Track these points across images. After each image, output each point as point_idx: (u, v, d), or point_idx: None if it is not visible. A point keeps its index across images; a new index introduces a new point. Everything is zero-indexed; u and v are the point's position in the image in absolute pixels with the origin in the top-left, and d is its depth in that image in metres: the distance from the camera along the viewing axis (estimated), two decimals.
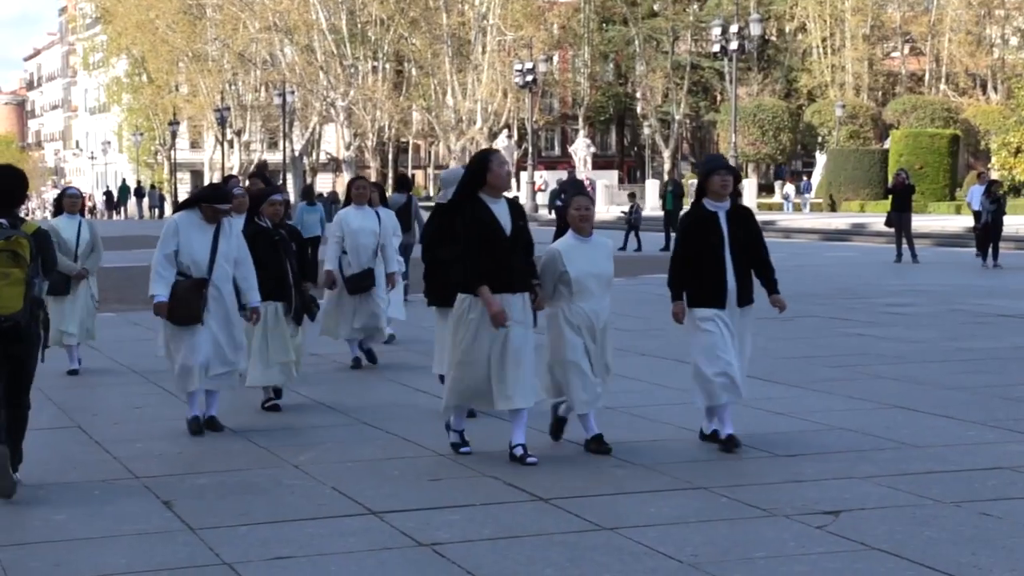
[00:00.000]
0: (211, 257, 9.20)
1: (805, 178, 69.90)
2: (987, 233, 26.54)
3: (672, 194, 34.32)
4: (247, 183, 18.29)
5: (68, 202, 12.76)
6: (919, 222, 33.21)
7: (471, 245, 8.06)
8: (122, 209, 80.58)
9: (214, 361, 9.29)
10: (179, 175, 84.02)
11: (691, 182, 62.70)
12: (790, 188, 65.49)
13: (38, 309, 7.51)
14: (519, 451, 8.15)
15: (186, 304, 9.11)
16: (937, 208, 52.62)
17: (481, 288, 7.99)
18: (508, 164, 8.31)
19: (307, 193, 25.58)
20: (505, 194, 8.41)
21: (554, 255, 8.40)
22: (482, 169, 8.19)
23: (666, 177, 62.19)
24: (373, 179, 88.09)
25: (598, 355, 8.46)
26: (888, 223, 28.42)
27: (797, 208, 61.19)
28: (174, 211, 17.95)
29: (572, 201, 8.54)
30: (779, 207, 61.96)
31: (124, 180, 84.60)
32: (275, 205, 10.24)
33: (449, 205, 8.81)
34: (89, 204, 78.46)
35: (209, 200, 9.28)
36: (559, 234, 13.47)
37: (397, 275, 13.00)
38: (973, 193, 29.22)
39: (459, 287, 8.27)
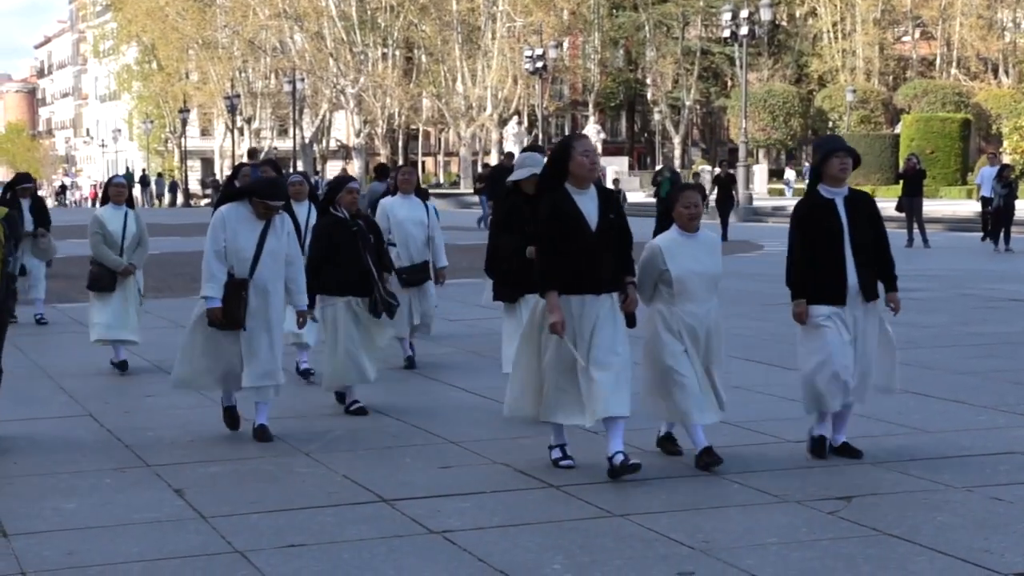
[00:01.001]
0: (256, 255, 8.49)
1: (807, 163, 69.69)
2: (999, 217, 26.44)
3: (669, 181, 33.44)
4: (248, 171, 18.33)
5: (114, 191, 11.94)
6: (930, 207, 33.12)
7: (548, 242, 7.36)
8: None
9: (251, 371, 8.56)
10: (189, 163, 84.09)
11: (702, 167, 62.68)
12: (791, 173, 65.31)
13: (12, 284, 8.72)
14: (619, 458, 7.29)
15: (226, 307, 8.46)
16: (948, 193, 52.49)
17: (549, 292, 7.33)
18: (594, 151, 7.51)
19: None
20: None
21: (654, 252, 7.73)
22: (563, 157, 7.44)
23: (660, 164, 62.19)
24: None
25: (703, 363, 7.68)
26: (899, 208, 28.34)
27: (799, 194, 61.00)
28: (184, 199, 17.82)
29: (680, 196, 7.76)
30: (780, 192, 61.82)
31: (128, 169, 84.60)
32: (352, 193, 9.52)
33: (534, 193, 8.21)
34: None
35: (262, 195, 8.52)
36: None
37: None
38: (984, 175, 28.95)
39: (535, 287, 7.76)
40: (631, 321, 7.55)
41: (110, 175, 14.48)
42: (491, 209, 11.24)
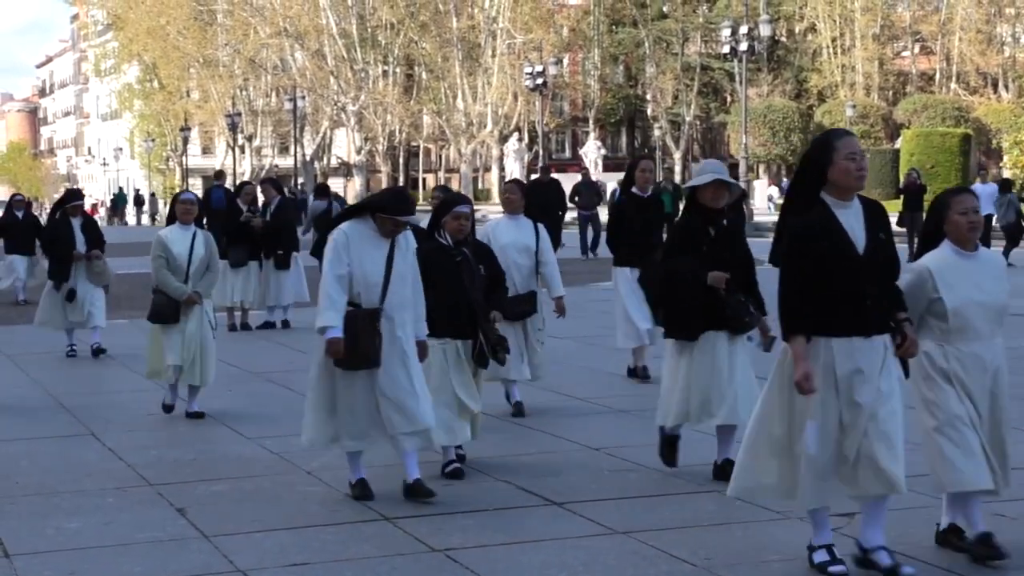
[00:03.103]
0: (386, 279, 7.29)
1: (786, 179, 69.66)
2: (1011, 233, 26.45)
3: (669, 195, 32.34)
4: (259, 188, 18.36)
5: (182, 209, 10.46)
6: None
7: (797, 271, 5.71)
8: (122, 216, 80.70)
9: (396, 417, 7.29)
10: (191, 181, 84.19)
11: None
12: (773, 190, 65.27)
13: None
14: (886, 561, 5.88)
15: (356, 342, 7.15)
16: None
17: (794, 338, 5.69)
18: (862, 154, 5.81)
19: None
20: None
21: (922, 276, 6.06)
22: (822, 161, 5.76)
23: (660, 179, 62.14)
24: (384, 183, 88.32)
25: (987, 418, 6.12)
26: (900, 223, 28.35)
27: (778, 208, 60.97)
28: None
29: (953, 201, 6.14)
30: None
31: (121, 188, 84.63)
32: (460, 219, 8.04)
33: (716, 204, 7.52)
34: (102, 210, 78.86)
35: (389, 210, 7.29)
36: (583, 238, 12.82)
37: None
38: (975, 191, 28.86)
39: (723, 322, 7.17)
40: (906, 370, 6.06)
41: (221, 195, 13.45)
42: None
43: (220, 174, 29.60)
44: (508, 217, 10.18)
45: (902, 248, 28.82)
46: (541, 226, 10.18)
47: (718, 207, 7.67)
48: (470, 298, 7.95)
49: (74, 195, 15.10)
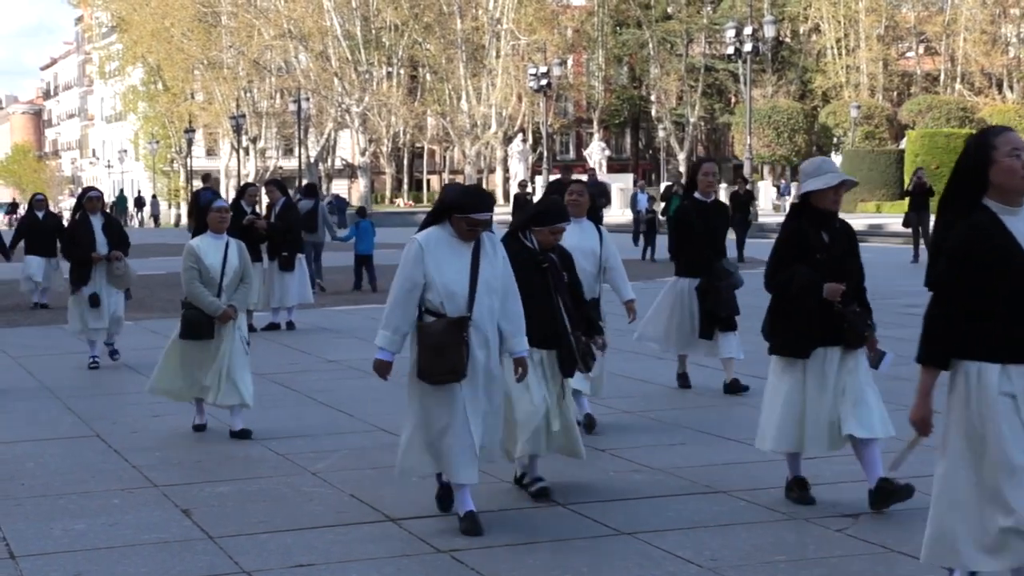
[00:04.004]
0: (471, 287, 6.66)
1: (783, 181, 69.49)
2: None
3: (679, 197, 31.41)
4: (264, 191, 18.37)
5: (215, 217, 9.62)
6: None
7: (953, 287, 4.82)
8: (123, 218, 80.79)
9: (476, 433, 6.71)
10: (195, 183, 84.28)
11: None
12: (771, 190, 65.12)
13: None
14: None
15: (441, 353, 6.56)
16: None
17: (930, 370, 4.89)
18: None
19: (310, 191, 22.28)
20: None
21: None
22: (982, 161, 4.88)
23: (665, 180, 62.13)
24: (388, 185, 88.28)
25: None
26: (906, 223, 28.31)
27: (777, 210, 60.74)
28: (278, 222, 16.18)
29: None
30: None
31: (122, 190, 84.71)
32: (556, 235, 7.53)
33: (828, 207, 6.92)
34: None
35: (464, 209, 6.65)
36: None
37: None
38: None
39: (838, 337, 6.68)
40: None
41: (209, 196, 11.63)
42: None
43: (208, 177, 29.79)
44: (571, 220, 8.84)
45: (906, 248, 28.53)
46: (604, 228, 9.46)
47: (836, 210, 7.09)
48: (556, 305, 7.38)
49: (90, 188, 14.13)
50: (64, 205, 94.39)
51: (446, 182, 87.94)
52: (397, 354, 6.72)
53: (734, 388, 10.80)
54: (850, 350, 7.03)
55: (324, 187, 74.96)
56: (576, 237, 8.82)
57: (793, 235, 7.05)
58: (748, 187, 33.92)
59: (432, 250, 6.65)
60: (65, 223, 20.54)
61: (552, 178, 53.37)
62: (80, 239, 13.29)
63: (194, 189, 28.52)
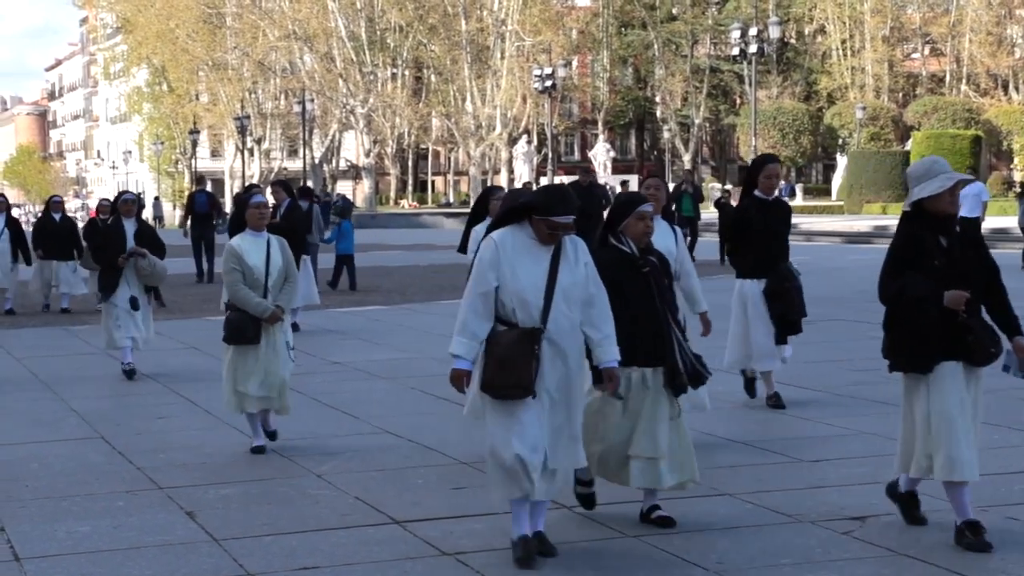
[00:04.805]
0: (547, 295, 6.08)
1: (785, 183, 69.45)
2: None
3: (691, 197, 29.63)
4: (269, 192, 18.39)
5: (254, 214, 9.09)
6: None
7: None
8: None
9: (549, 453, 6.15)
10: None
11: (711, 186, 62.64)
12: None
13: None
14: None
15: (512, 366, 6.00)
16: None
17: None
18: None
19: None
20: None
21: None
22: None
23: (673, 180, 62.06)
24: (393, 186, 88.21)
25: None
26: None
27: None
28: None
29: None
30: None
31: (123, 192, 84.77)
32: (644, 220, 6.76)
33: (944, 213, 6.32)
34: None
35: (545, 211, 6.08)
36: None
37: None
38: (961, 192, 27.95)
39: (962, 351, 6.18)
40: None
41: (249, 193, 11.14)
42: None
43: (202, 179, 29.85)
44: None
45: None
46: (679, 229, 8.72)
47: (954, 212, 6.44)
48: (663, 314, 6.66)
49: (123, 193, 13.44)
50: (68, 207, 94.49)
51: (450, 185, 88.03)
52: (475, 363, 6.13)
53: (775, 403, 10.17)
54: (974, 367, 6.40)
55: (330, 188, 74.99)
56: (655, 237, 7.61)
57: (908, 241, 6.40)
58: (732, 201, 33.73)
59: (508, 252, 6.08)
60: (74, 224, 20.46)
61: (557, 179, 53.41)
62: (111, 244, 12.68)
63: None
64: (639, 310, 6.58)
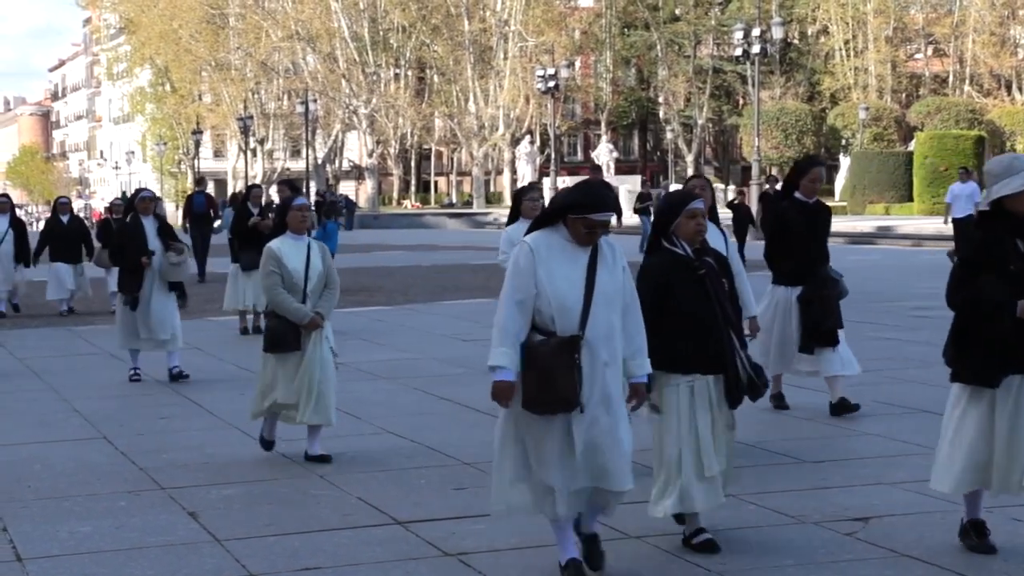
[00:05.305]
0: (585, 300, 5.73)
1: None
2: None
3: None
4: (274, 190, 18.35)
5: (295, 217, 8.73)
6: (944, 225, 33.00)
7: None
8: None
9: (593, 469, 5.79)
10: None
11: (715, 186, 62.54)
12: None
13: None
14: None
15: (550, 379, 5.62)
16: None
17: None
18: None
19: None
20: None
21: None
22: None
23: (688, 175, 61.85)
24: (395, 187, 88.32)
25: None
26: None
27: None
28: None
29: None
30: None
31: (124, 193, 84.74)
32: (696, 218, 6.31)
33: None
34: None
35: (582, 209, 5.75)
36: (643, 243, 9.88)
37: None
38: (953, 193, 27.11)
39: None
40: None
41: (202, 199, 10.74)
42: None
43: (201, 180, 29.82)
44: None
45: (914, 251, 28.19)
46: (727, 231, 8.59)
47: None
48: (720, 320, 6.24)
49: (141, 190, 13.04)
50: (72, 207, 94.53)
51: (453, 185, 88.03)
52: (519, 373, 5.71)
53: (843, 408, 9.81)
54: None
55: (334, 188, 75.02)
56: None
57: (983, 244, 6.00)
58: (778, 187, 33.43)
59: (543, 256, 5.73)
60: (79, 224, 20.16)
61: (560, 180, 53.40)
62: (131, 243, 12.31)
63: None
64: (694, 315, 6.18)
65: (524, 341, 5.69)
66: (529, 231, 5.90)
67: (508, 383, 5.67)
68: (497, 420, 5.92)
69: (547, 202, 6.68)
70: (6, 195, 20.72)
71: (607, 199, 5.76)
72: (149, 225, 12.38)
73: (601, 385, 5.72)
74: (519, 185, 67.09)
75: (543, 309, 5.69)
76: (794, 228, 9.61)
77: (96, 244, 19.54)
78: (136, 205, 12.55)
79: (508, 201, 72.20)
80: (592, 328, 5.68)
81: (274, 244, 8.68)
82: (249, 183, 35.98)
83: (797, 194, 9.67)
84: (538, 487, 5.77)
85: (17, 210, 21.42)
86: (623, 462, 5.79)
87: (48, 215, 20.59)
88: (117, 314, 12.65)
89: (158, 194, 14.13)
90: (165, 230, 12.49)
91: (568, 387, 5.60)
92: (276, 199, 18.08)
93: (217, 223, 25.98)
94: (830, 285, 9.68)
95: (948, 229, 26.39)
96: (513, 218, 10.09)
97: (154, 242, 12.28)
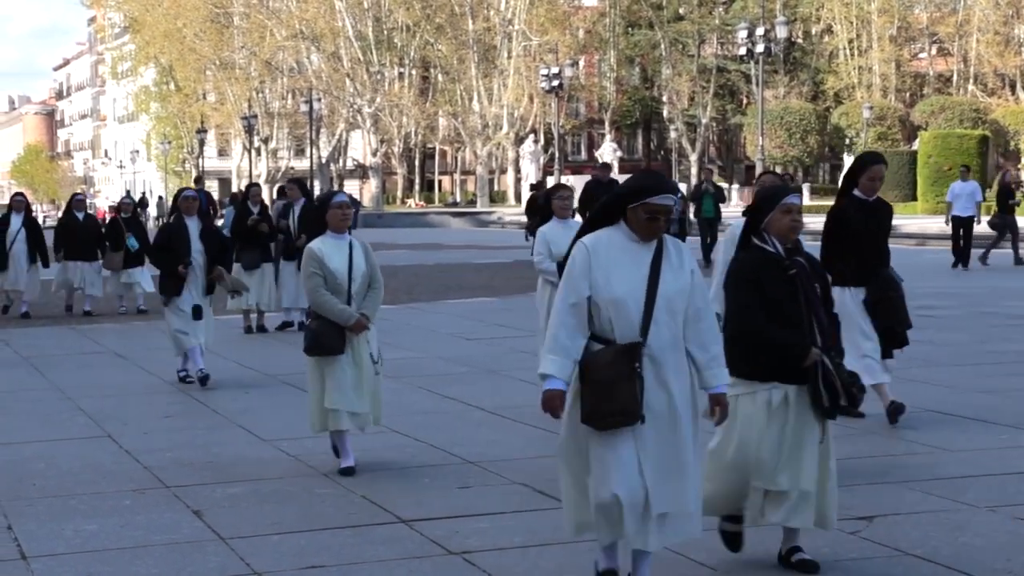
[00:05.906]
0: (646, 304, 5.26)
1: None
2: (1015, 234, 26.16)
3: (712, 197, 28.01)
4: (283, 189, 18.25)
5: (335, 215, 8.32)
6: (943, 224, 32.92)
7: None
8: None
9: (656, 490, 5.27)
10: (207, 183, 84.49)
11: (720, 185, 62.53)
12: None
13: None
14: None
15: (608, 390, 5.19)
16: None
17: None
18: None
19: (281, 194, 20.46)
20: None
21: None
22: None
23: (694, 179, 62.02)
24: (400, 186, 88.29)
25: None
26: (993, 226, 26.95)
27: None
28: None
29: None
30: None
31: (128, 192, 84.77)
32: (791, 213, 5.88)
33: None
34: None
35: (641, 194, 5.28)
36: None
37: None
38: (953, 192, 27.01)
39: None
40: None
41: (201, 199, 10.95)
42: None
43: (199, 179, 29.85)
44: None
45: (915, 251, 28.12)
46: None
47: None
48: (809, 324, 5.83)
49: (185, 188, 12.77)
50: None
51: (457, 184, 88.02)
52: (569, 383, 5.33)
53: (896, 411, 9.40)
54: None
55: (338, 187, 75.04)
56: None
57: None
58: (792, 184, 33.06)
59: (601, 256, 5.25)
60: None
61: (564, 179, 53.38)
62: (176, 246, 11.98)
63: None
64: (786, 319, 5.78)
65: (579, 353, 5.26)
66: (583, 230, 5.45)
67: (557, 392, 5.26)
68: (558, 438, 5.53)
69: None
70: (21, 194, 20.33)
71: (666, 182, 5.35)
72: (193, 226, 12.07)
73: (667, 400, 5.27)
74: (523, 184, 67.08)
75: (601, 314, 5.24)
76: (854, 227, 9.20)
77: (106, 244, 19.33)
78: (179, 205, 12.20)
79: (512, 200, 72.20)
80: (654, 336, 5.22)
81: (315, 244, 8.30)
82: (250, 182, 36.03)
83: (856, 191, 9.28)
84: (607, 508, 5.28)
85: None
86: (691, 481, 5.34)
87: (54, 212, 20.33)
88: (169, 320, 12.11)
89: (163, 193, 14.00)
90: (210, 233, 12.22)
91: (628, 398, 5.14)
92: (276, 199, 18.01)
93: (219, 222, 26.00)
94: (894, 286, 9.32)
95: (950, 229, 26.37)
96: (544, 218, 9.97)
97: (197, 244, 12.00)
